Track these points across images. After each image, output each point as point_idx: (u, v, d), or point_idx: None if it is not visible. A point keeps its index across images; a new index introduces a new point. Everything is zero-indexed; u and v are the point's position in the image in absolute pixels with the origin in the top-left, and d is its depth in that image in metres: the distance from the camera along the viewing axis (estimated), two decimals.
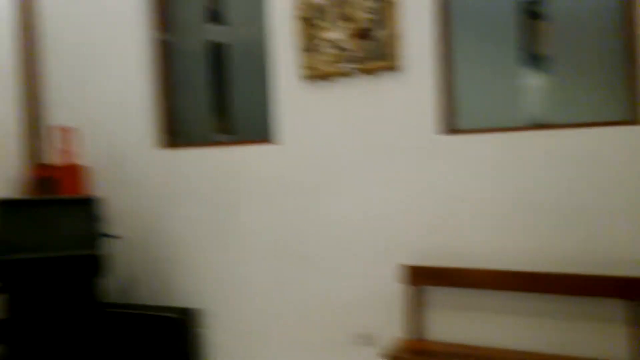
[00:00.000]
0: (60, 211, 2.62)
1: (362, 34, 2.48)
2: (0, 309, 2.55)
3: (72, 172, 3.15)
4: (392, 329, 2.53)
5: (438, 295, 2.45)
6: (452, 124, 2.44)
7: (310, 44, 2.59)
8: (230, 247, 2.91)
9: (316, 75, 2.60)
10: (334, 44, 2.54)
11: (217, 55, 3.04)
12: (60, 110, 3.37)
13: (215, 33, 3.04)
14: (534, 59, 2.35)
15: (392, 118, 2.51)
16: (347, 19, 2.51)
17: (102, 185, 3.23)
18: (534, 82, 2.36)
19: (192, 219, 3.00)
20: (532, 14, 2.34)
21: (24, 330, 2.47)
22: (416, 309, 2.46)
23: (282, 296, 2.80)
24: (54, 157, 3.37)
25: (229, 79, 3.01)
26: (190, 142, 3.10)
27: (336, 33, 2.53)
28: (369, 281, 2.58)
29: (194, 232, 3.00)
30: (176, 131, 3.15)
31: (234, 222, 2.90)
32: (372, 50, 2.47)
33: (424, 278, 2.43)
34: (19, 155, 3.32)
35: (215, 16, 3.03)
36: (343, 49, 2.52)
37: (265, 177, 2.82)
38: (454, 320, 2.42)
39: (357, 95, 2.57)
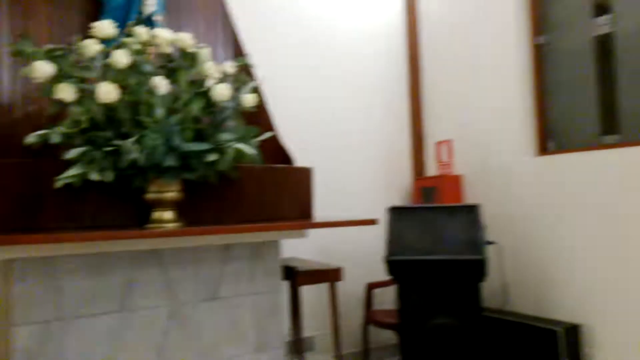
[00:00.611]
0: (446, 217, 2.84)
1: None
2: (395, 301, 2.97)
3: (450, 181, 3.43)
4: None
5: None
6: None
7: None
8: (618, 260, 2.57)
9: None
10: None
11: (601, 49, 2.78)
12: (439, 124, 3.73)
13: (598, 26, 2.80)
14: None
15: None
16: None
17: (475, 193, 3.39)
18: None
19: (571, 229, 2.80)
20: None
21: (413, 322, 2.78)
22: None
23: None
24: (434, 168, 3.76)
25: (615, 74, 2.71)
26: (570, 147, 2.92)
27: None
28: None
29: (573, 242, 2.78)
30: (553, 136, 3.03)
31: (623, 234, 2.55)
32: None
33: None
34: (408, 169, 3.84)
35: (599, 8, 2.80)
36: None
37: None
38: None
39: None
